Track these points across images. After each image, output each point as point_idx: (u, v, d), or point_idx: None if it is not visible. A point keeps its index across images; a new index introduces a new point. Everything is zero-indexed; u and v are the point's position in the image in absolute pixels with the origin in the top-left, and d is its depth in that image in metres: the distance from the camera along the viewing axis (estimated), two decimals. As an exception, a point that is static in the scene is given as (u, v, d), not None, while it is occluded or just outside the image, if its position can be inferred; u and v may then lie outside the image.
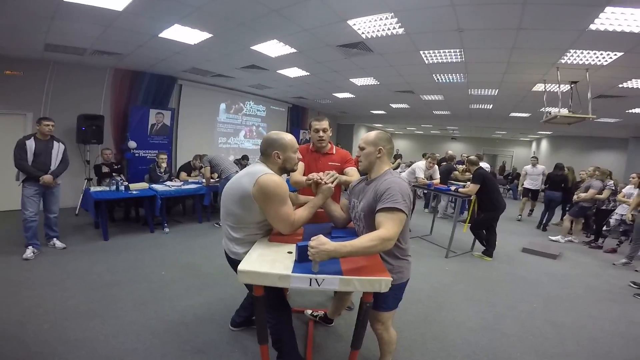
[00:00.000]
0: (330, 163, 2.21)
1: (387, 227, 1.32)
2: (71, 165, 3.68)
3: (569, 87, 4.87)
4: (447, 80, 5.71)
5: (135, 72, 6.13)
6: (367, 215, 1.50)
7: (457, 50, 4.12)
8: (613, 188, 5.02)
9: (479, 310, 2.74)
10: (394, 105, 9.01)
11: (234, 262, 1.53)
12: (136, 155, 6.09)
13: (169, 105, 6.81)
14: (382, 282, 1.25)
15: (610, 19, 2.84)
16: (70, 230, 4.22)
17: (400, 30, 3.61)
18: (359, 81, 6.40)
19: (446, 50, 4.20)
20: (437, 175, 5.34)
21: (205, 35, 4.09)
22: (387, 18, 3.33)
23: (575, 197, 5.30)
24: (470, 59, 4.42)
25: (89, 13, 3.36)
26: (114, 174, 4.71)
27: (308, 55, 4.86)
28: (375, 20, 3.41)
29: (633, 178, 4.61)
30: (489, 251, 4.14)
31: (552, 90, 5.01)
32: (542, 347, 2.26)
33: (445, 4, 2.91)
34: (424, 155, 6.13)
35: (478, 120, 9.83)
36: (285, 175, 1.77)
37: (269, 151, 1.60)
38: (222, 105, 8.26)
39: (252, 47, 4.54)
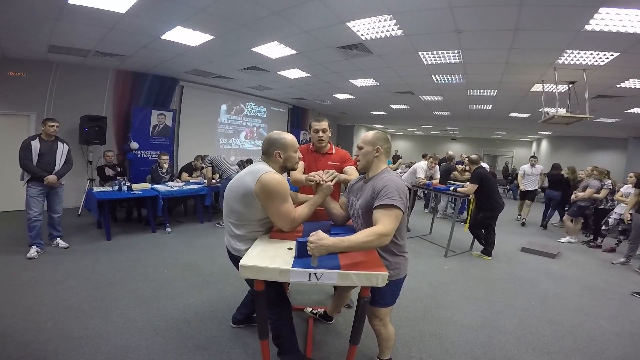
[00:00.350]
0: (329, 163, 2.25)
1: (383, 223, 1.36)
2: (74, 166, 3.72)
3: (567, 88, 4.91)
4: (446, 81, 5.75)
5: (137, 74, 6.19)
6: (364, 212, 1.54)
7: (456, 51, 4.16)
8: (611, 187, 5.05)
9: (477, 308, 2.77)
10: (393, 106, 9.06)
11: (235, 259, 1.56)
12: (138, 156, 6.14)
13: (171, 107, 6.87)
14: (379, 277, 1.29)
15: (605, 20, 2.88)
16: (74, 230, 4.26)
17: (399, 32, 3.65)
18: (359, 82, 6.44)
19: (444, 51, 4.24)
20: (438, 176, 5.37)
21: (206, 37, 4.14)
22: (385, 20, 3.38)
23: (573, 196, 5.33)
24: (469, 60, 4.46)
25: (93, 15, 3.41)
26: (118, 177, 4.74)
27: (308, 57, 4.91)
28: (374, 22, 3.46)
29: (630, 177, 4.64)
30: (487, 250, 4.17)
31: (550, 90, 5.06)
32: (538, 344, 2.28)
33: (443, 5, 2.95)
34: (424, 156, 6.17)
35: (478, 120, 9.87)
36: (286, 174, 1.81)
37: (270, 150, 1.64)
38: (223, 107, 8.32)
39: (252, 49, 4.59)
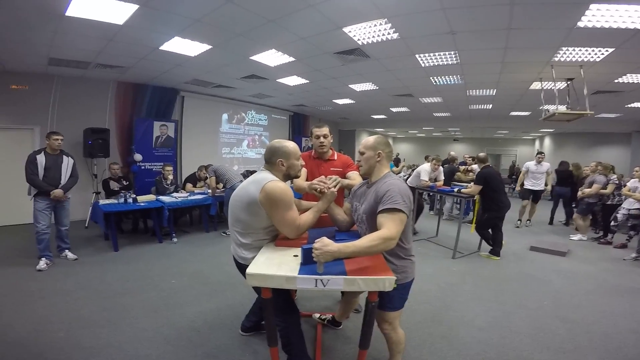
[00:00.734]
0: (332, 169, 2.25)
1: (388, 227, 1.36)
2: (79, 179, 3.77)
3: (566, 85, 4.91)
4: (445, 83, 5.77)
5: (138, 85, 6.27)
6: (369, 217, 1.54)
7: (452, 52, 4.18)
8: (617, 182, 4.99)
9: (487, 309, 2.74)
10: (394, 109, 9.09)
11: (242, 267, 1.57)
12: (142, 167, 6.20)
13: (172, 117, 6.94)
14: (386, 281, 1.29)
15: (597, 16, 2.91)
16: (81, 242, 4.30)
17: (395, 35, 3.69)
18: (358, 87, 6.49)
19: (441, 53, 4.27)
20: (442, 177, 5.36)
21: (205, 47, 4.20)
22: (381, 24, 3.42)
23: (579, 193, 5.26)
24: (466, 61, 4.48)
25: (91, 27, 3.44)
26: (122, 191, 4.78)
27: (306, 63, 4.96)
28: (370, 27, 3.50)
29: (637, 171, 4.60)
30: (495, 250, 4.13)
31: (549, 88, 5.06)
32: (553, 343, 2.25)
33: (436, 7, 2.98)
34: (426, 158, 6.16)
35: (479, 120, 9.87)
36: (289, 182, 1.82)
37: (273, 159, 1.66)
38: (224, 116, 8.38)
39: (251, 57, 4.65)
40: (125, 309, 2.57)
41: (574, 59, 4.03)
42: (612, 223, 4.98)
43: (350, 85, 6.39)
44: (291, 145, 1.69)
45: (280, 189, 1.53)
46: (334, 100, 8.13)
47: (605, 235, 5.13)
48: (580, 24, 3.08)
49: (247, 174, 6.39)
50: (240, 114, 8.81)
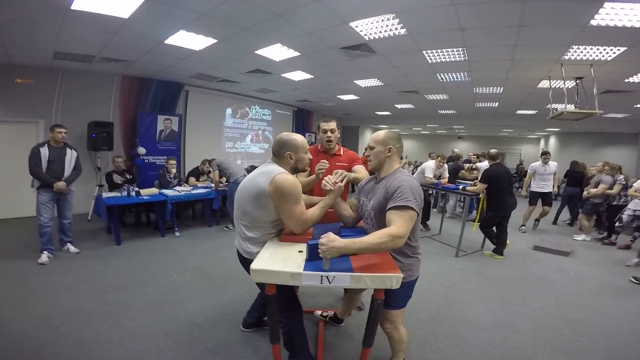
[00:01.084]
0: (338, 164, 2.24)
1: (397, 224, 1.33)
2: (83, 172, 3.76)
3: (575, 83, 4.83)
4: (452, 80, 5.70)
5: (143, 79, 6.25)
6: (377, 213, 1.51)
7: (460, 49, 4.12)
8: (624, 183, 4.93)
9: (490, 308, 2.72)
10: (398, 106, 9.02)
11: (246, 262, 1.55)
12: (146, 161, 6.19)
13: (177, 111, 6.92)
14: (393, 279, 1.26)
15: (611, 14, 2.85)
16: (84, 236, 4.31)
17: (402, 31, 3.63)
18: (363, 82, 6.43)
19: (449, 50, 4.21)
20: (447, 175, 5.31)
21: (210, 41, 4.16)
22: (388, 19, 3.36)
23: (585, 192, 5.20)
24: (474, 58, 4.42)
25: (96, 21, 3.43)
26: (126, 185, 4.78)
27: (311, 58, 4.91)
28: (377, 22, 3.45)
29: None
30: (499, 249, 4.10)
31: (557, 86, 4.98)
32: (556, 343, 2.23)
33: (446, 3, 2.93)
34: (429, 155, 6.11)
35: (484, 118, 9.77)
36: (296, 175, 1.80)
37: (281, 152, 1.64)
38: (228, 110, 8.36)
39: (256, 52, 4.61)
40: (126, 303, 2.57)
41: (584, 58, 3.96)
42: (617, 224, 4.93)
43: (355, 81, 6.34)
44: (300, 138, 1.67)
45: (290, 182, 1.52)
46: (338, 96, 8.08)
47: (609, 236, 5.09)
48: (594, 22, 3.02)
49: (251, 169, 6.37)
50: (244, 109, 8.78)
